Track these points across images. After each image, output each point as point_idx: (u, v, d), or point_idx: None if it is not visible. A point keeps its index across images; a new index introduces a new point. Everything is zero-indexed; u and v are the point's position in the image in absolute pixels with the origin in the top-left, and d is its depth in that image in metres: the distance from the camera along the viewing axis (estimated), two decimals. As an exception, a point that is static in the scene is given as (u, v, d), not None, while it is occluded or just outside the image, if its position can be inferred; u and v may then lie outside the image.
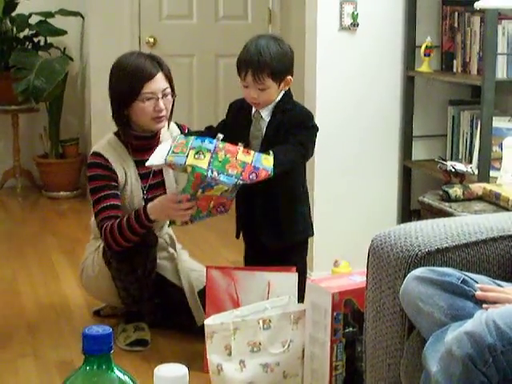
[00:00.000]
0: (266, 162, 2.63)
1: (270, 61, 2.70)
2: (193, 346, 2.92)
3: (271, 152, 2.67)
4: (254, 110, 2.85)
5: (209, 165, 2.57)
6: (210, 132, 2.87)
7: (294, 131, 2.78)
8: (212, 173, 2.56)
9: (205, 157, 2.58)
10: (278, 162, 2.67)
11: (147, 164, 2.70)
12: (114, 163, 2.92)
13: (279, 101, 2.82)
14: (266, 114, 2.83)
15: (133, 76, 2.87)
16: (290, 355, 2.57)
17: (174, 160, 2.59)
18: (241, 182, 2.59)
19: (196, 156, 2.58)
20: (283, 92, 2.83)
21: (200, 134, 2.79)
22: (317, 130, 2.86)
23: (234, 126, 2.89)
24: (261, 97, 2.76)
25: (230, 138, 2.70)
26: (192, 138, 2.66)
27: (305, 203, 2.95)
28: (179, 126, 3.11)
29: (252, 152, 2.65)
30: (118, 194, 2.92)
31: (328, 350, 2.45)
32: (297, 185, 2.90)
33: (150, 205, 2.77)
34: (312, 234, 3.02)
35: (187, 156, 2.58)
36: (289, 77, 2.78)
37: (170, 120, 2.99)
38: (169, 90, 2.91)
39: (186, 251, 3.28)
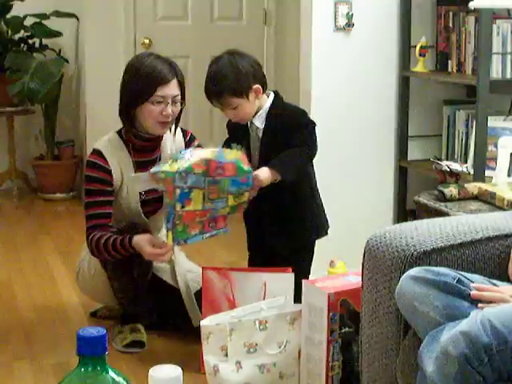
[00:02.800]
0: (230, 155, 2.64)
1: (225, 85, 2.75)
2: (189, 346, 2.92)
3: (240, 147, 2.69)
4: (248, 121, 2.86)
5: (178, 168, 2.59)
6: None
7: (293, 133, 2.79)
8: (180, 174, 2.57)
9: (176, 163, 2.61)
10: (290, 167, 2.72)
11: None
12: (111, 162, 2.93)
13: (270, 107, 2.84)
14: (259, 123, 2.84)
15: (148, 77, 2.86)
16: (286, 356, 2.57)
17: (154, 169, 2.64)
18: (210, 179, 2.59)
19: (170, 164, 2.62)
20: (272, 97, 2.85)
21: None
22: (314, 124, 2.86)
23: (236, 141, 2.89)
24: (237, 115, 2.81)
25: None
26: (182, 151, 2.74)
27: (313, 202, 2.92)
28: (183, 132, 3.11)
29: (216, 149, 2.67)
30: (110, 201, 2.93)
31: (324, 350, 2.45)
32: (303, 185, 2.90)
33: (134, 239, 2.79)
34: (325, 234, 2.98)
35: (164, 164, 2.64)
36: (255, 86, 2.77)
37: (176, 125, 3.00)
38: (179, 98, 2.90)
39: (183, 253, 3.28)
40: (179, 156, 2.65)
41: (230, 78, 2.75)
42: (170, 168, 2.60)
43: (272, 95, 2.87)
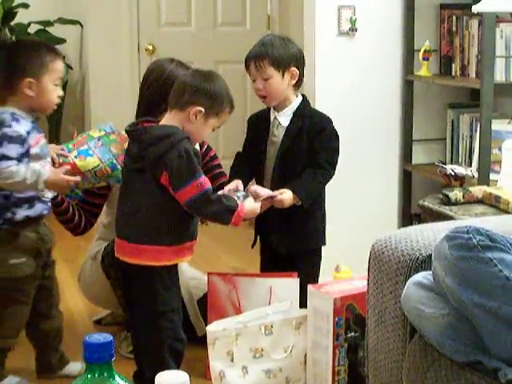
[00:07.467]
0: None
1: (270, 51, 2.75)
2: (195, 352, 2.92)
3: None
4: (272, 117, 2.84)
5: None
6: (237, 159, 2.93)
7: (317, 137, 2.78)
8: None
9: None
10: (311, 194, 2.75)
11: None
12: None
13: (297, 107, 2.82)
14: (284, 120, 2.82)
15: None
16: (292, 361, 2.57)
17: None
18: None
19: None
20: (300, 98, 2.84)
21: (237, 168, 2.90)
22: (338, 136, 2.86)
23: (254, 138, 2.90)
24: (266, 88, 2.77)
25: (251, 151, 2.85)
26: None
27: (317, 210, 2.90)
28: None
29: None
30: (101, 194, 3.05)
31: (330, 354, 2.45)
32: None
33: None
34: (323, 244, 2.95)
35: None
36: (292, 68, 2.77)
37: None
38: None
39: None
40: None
41: (276, 47, 2.76)
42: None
43: (300, 97, 2.86)
